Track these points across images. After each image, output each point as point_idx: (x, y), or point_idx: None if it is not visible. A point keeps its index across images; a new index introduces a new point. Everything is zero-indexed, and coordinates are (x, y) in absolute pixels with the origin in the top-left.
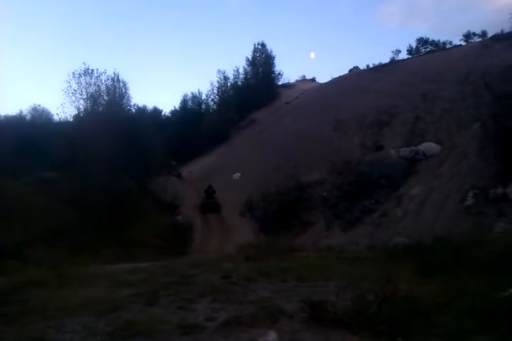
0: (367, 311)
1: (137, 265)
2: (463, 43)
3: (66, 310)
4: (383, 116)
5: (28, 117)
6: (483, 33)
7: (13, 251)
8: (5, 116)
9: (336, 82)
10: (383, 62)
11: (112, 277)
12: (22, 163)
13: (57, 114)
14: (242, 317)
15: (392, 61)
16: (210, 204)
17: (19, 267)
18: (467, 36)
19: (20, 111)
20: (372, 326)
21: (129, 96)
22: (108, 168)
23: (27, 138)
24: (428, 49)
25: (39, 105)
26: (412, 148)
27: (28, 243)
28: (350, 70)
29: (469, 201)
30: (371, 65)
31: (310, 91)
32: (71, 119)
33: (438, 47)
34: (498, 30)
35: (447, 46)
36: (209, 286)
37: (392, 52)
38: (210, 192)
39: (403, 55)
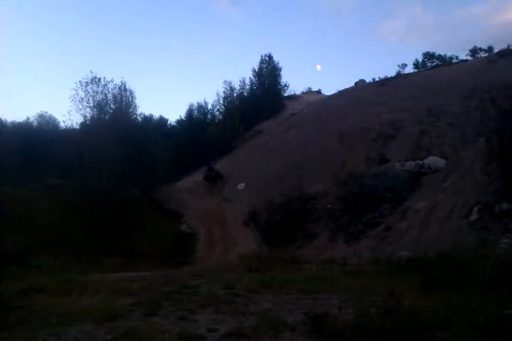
0: (369, 325)
1: (139, 274)
2: (469, 58)
3: (67, 317)
4: (388, 129)
5: (35, 124)
6: (490, 49)
7: (16, 258)
8: (12, 122)
9: (342, 95)
10: (389, 76)
11: (112, 285)
12: (28, 170)
13: (63, 122)
14: (244, 329)
15: (398, 75)
16: (211, 178)
17: (21, 274)
18: (473, 51)
19: (27, 118)
20: (375, 340)
21: (135, 105)
22: (113, 175)
23: (33, 145)
24: (434, 63)
25: (46, 112)
26: (418, 161)
27: (31, 249)
28: (355, 83)
29: (474, 216)
30: (377, 79)
31: (315, 103)
32: (77, 127)
33: (444, 61)
34: (503, 46)
35: (453, 61)
36: (211, 297)
37: (398, 65)
38: (210, 167)
39: (409, 69)
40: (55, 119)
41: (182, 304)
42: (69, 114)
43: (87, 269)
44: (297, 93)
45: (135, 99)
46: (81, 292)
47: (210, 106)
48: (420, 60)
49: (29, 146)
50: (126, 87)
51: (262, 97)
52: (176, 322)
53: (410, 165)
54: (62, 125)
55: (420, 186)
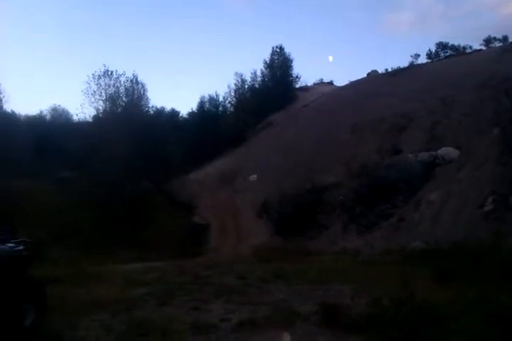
0: (383, 316)
1: (152, 265)
2: (483, 48)
3: (82, 308)
4: (401, 120)
5: (48, 117)
6: (504, 38)
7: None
8: (25, 115)
9: (354, 86)
10: (402, 67)
11: (127, 276)
12: (41, 163)
13: (76, 115)
14: (257, 319)
15: (411, 65)
16: None
17: (36, 265)
18: (487, 41)
19: (41, 111)
20: (388, 331)
21: (147, 98)
22: (126, 168)
23: (46, 138)
24: (448, 53)
25: (59, 105)
26: (431, 152)
27: (46, 241)
28: (368, 74)
29: (488, 207)
30: (390, 69)
31: (327, 94)
32: (90, 120)
33: (458, 51)
34: None
35: (467, 51)
36: (224, 287)
37: (411, 56)
38: None
39: (422, 60)
40: (68, 112)
41: (195, 294)
42: (82, 107)
43: (102, 260)
44: (309, 84)
45: (147, 91)
46: (96, 283)
47: (221, 99)
48: (433, 50)
49: (42, 139)
50: (138, 79)
51: (274, 89)
52: (189, 312)
53: (424, 156)
54: (75, 118)
55: (434, 177)
